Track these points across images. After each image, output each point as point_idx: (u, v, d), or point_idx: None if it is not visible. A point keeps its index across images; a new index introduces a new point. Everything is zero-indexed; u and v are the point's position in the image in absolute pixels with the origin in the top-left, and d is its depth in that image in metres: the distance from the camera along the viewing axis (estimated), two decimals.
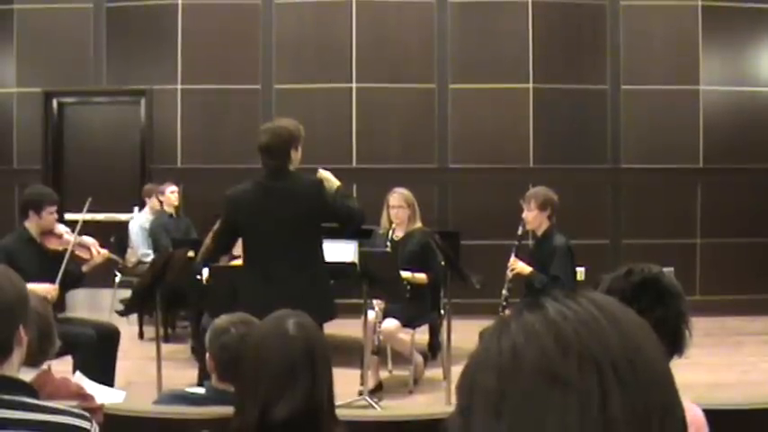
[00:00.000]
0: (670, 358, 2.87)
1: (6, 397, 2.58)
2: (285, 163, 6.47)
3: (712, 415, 2.94)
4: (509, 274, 7.67)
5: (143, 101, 12.42)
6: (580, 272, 8.18)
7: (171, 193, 11.03)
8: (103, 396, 4.60)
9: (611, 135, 12.14)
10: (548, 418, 0.99)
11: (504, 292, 7.64)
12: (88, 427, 2.65)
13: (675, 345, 2.91)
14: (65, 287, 7.45)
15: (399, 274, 7.80)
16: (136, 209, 11.39)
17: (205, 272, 8.65)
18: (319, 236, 6.67)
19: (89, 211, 7.58)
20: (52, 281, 7.08)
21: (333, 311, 6.64)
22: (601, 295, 1.11)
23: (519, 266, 7.64)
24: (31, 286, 6.91)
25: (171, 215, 11.04)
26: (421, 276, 8.27)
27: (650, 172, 12.08)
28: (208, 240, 8.89)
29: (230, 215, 6.61)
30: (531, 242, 8.13)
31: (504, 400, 1.02)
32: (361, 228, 7.36)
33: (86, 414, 2.70)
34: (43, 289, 6.92)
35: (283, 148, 6.46)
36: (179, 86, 12.29)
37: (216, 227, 8.77)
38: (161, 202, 11.09)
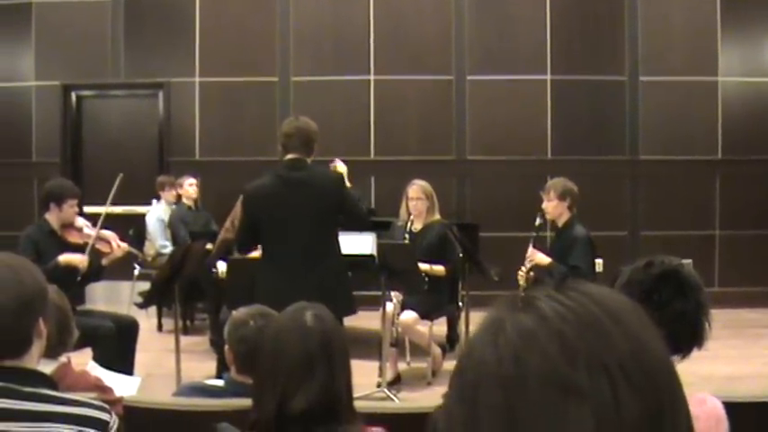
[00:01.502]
0: (690, 351, 2.87)
1: (27, 389, 2.59)
2: (308, 153, 6.51)
3: (731, 407, 2.93)
4: (527, 264, 7.65)
5: (161, 93, 12.44)
6: (598, 263, 8.15)
7: (189, 186, 11.03)
8: (118, 383, 4.62)
9: (629, 126, 12.11)
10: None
11: (521, 282, 7.62)
12: (108, 419, 2.65)
13: (695, 337, 2.89)
14: (85, 280, 7.49)
15: (417, 266, 7.80)
16: (154, 201, 11.41)
17: (221, 266, 8.67)
18: (336, 228, 6.68)
19: (113, 203, 7.61)
20: (73, 273, 7.13)
21: (352, 306, 6.64)
22: (594, 287, 1.07)
23: (537, 257, 7.62)
24: (65, 256, 7.08)
25: (190, 208, 11.04)
26: (439, 268, 8.27)
27: (669, 163, 12.05)
28: (222, 235, 8.94)
29: (249, 209, 6.61)
30: (550, 233, 8.11)
31: (515, 417, 0.98)
32: (376, 221, 7.41)
33: (106, 406, 2.71)
34: (77, 258, 7.10)
35: (313, 137, 6.55)
36: (197, 79, 12.31)
37: (227, 223, 8.83)
38: (179, 195, 11.08)
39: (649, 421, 0.98)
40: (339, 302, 6.19)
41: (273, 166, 6.76)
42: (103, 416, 2.65)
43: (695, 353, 2.89)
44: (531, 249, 7.68)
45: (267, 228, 6.49)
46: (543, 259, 7.60)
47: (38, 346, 2.72)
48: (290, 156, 6.51)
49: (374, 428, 2.92)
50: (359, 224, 6.95)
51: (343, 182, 6.59)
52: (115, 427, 2.67)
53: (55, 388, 2.71)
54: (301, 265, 6.36)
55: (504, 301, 1.07)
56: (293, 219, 6.38)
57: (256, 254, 7.70)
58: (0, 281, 2.63)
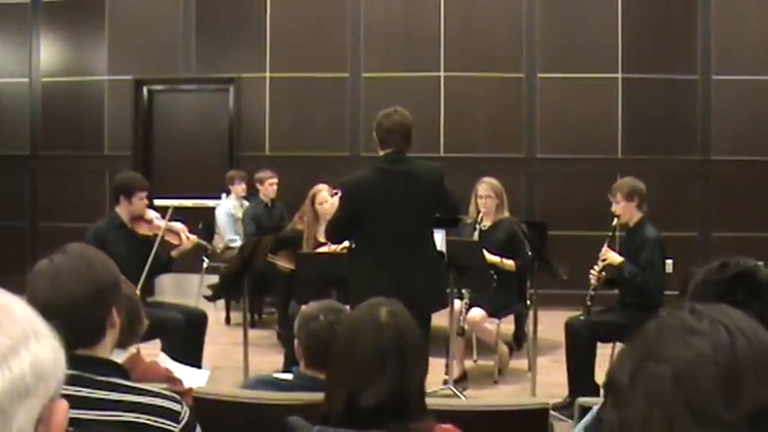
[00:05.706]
0: None
1: (100, 378, 2.62)
2: (408, 146, 6.51)
3: None
4: (599, 264, 7.57)
5: (232, 89, 12.53)
6: (668, 264, 8.07)
7: (270, 186, 11.01)
8: (188, 376, 4.65)
9: (701, 126, 11.96)
10: (687, 354, 1.31)
11: (592, 282, 7.55)
12: (179, 409, 2.67)
13: None
14: (154, 272, 7.54)
15: (486, 264, 7.77)
16: (223, 195, 11.48)
17: None
18: (433, 222, 6.65)
19: (177, 199, 7.66)
20: (141, 265, 7.18)
21: (445, 300, 6.64)
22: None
23: (610, 256, 7.54)
24: None
25: (266, 205, 11.03)
26: (509, 262, 8.24)
27: (741, 164, 11.88)
28: (290, 226, 9.03)
29: (349, 202, 6.51)
30: (619, 233, 8.02)
31: (651, 346, 1.36)
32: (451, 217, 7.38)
33: (177, 397, 2.73)
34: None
35: (411, 130, 6.55)
36: (267, 74, 12.37)
37: (295, 218, 8.89)
38: (257, 191, 11.07)
39: (759, 364, 1.30)
40: (436, 296, 6.21)
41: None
42: (175, 406, 2.67)
43: None
44: (604, 248, 7.61)
45: (366, 220, 6.42)
46: (615, 258, 7.53)
47: (111, 336, 2.75)
48: (389, 149, 6.48)
49: (445, 426, 2.91)
50: (453, 212, 6.98)
51: (443, 173, 6.57)
52: (186, 417, 2.69)
53: (127, 377, 2.74)
54: (403, 259, 6.33)
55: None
56: (396, 212, 6.34)
57: (325, 249, 7.73)
58: (74, 271, 2.66)
